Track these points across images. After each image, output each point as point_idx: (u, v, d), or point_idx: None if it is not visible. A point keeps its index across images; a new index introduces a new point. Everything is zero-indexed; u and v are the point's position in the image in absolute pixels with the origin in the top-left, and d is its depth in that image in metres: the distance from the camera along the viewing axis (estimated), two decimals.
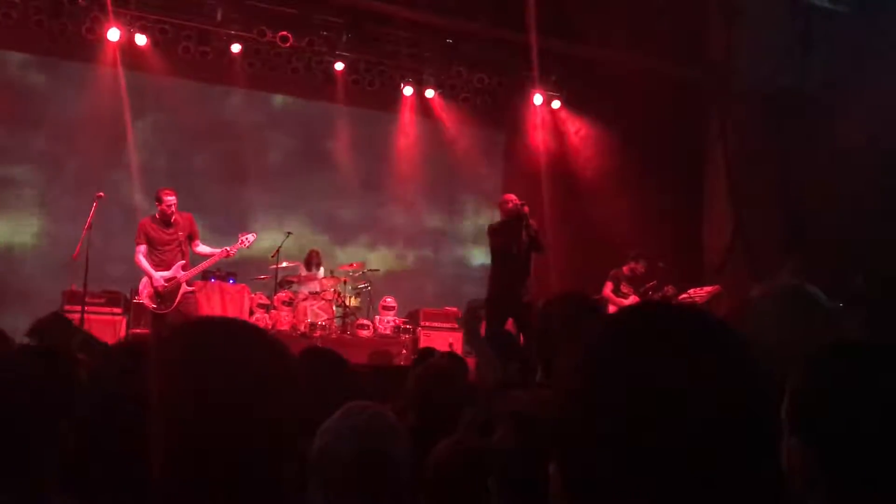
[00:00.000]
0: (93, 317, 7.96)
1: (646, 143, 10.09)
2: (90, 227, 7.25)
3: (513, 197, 7.36)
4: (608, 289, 8.88)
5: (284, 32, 10.11)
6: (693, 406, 0.79)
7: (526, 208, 7.21)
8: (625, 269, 8.92)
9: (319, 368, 2.36)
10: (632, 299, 8.75)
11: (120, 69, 9.79)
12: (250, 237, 7.52)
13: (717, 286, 8.85)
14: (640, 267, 8.85)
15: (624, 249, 9.15)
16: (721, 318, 0.91)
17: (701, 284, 9.10)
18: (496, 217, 7.87)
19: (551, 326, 2.54)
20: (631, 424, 0.80)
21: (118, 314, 8.75)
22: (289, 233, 9.66)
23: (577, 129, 11.47)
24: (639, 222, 9.75)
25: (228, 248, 7.36)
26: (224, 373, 0.96)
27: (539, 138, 11.32)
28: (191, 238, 7.34)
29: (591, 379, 0.86)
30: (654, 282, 8.95)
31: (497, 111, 11.80)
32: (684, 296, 8.69)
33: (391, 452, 1.85)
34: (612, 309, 8.68)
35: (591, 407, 0.84)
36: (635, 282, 8.96)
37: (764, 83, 8.99)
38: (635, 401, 0.80)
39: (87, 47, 9.72)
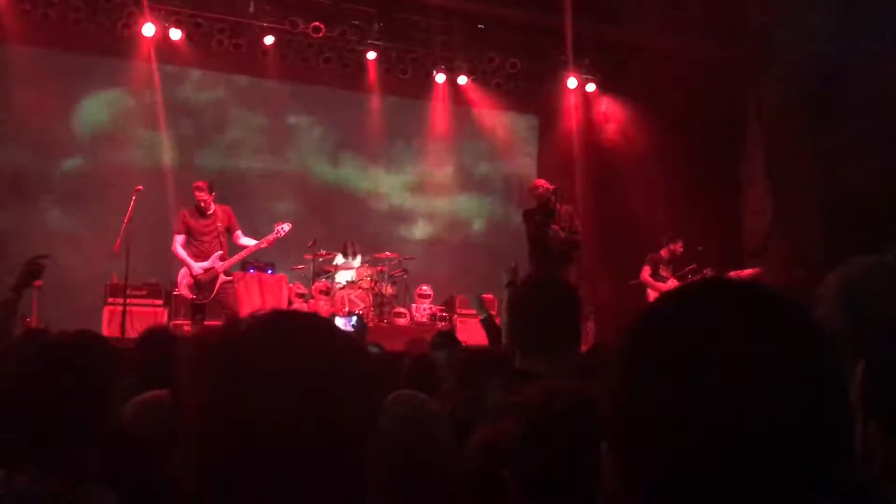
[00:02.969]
0: (134, 308, 8.09)
1: (682, 124, 9.95)
2: (130, 220, 7.36)
3: (543, 182, 7.34)
4: (646, 273, 8.80)
5: (317, 23, 10.14)
6: (760, 384, 0.74)
7: (556, 194, 7.16)
8: (663, 251, 8.82)
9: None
10: (671, 283, 8.66)
11: (155, 64, 9.91)
12: (285, 227, 7.61)
13: (757, 268, 8.72)
14: (679, 248, 8.74)
15: (660, 233, 9.05)
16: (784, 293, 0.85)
17: (740, 268, 8.97)
18: (530, 203, 7.83)
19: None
20: (691, 407, 0.75)
21: (159, 305, 8.87)
22: (325, 223, 9.72)
23: (612, 112, 11.35)
24: (676, 205, 9.64)
25: (266, 239, 7.47)
26: (296, 373, 0.92)
27: (573, 122, 11.23)
28: (230, 230, 7.49)
29: (649, 358, 0.81)
30: (694, 265, 8.84)
31: (530, 96, 11.72)
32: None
33: (436, 441, 1.84)
34: (651, 293, 8.59)
35: (650, 388, 0.79)
36: (674, 265, 8.86)
37: (804, 61, 8.79)
38: (695, 380, 0.76)
39: (123, 43, 9.84)
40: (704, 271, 8.61)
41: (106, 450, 1.65)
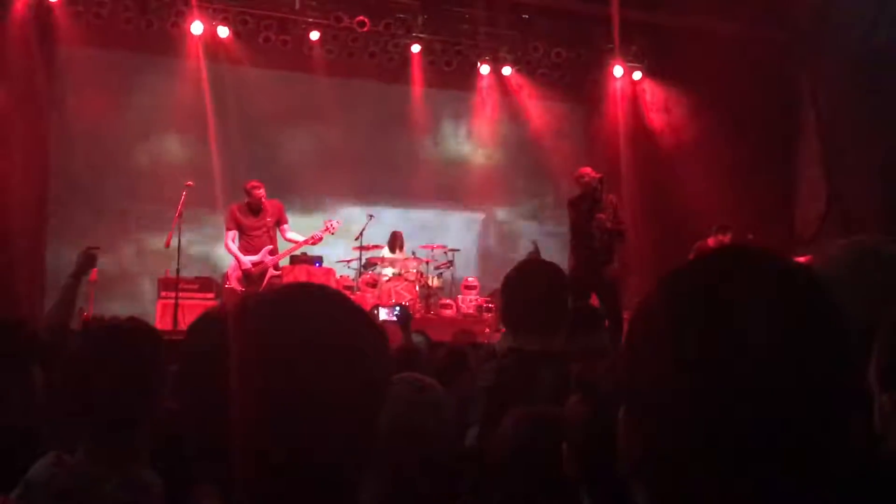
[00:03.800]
0: (186, 302, 8.24)
1: (732, 110, 9.76)
2: (180, 215, 7.53)
3: (589, 171, 7.25)
4: None
5: (361, 17, 10.21)
6: (777, 353, 0.74)
7: (602, 182, 7.08)
8: (710, 241, 8.66)
9: None
10: None
11: (203, 61, 10.09)
12: (335, 223, 7.74)
13: (809, 256, 8.53)
14: (726, 239, 8.57)
15: (710, 222, 8.89)
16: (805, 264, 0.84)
17: (793, 255, 8.79)
18: (576, 192, 7.76)
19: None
20: (709, 375, 0.75)
21: (210, 299, 9.03)
22: (371, 216, 9.77)
23: (660, 100, 11.19)
24: (726, 194, 9.46)
25: (315, 235, 7.62)
26: (308, 337, 0.94)
27: (620, 110, 11.11)
28: (279, 224, 7.64)
29: (668, 327, 0.81)
30: None
31: (576, 85, 11.63)
32: None
33: (426, 426, 1.83)
34: None
35: (669, 357, 0.79)
36: None
37: (857, 42, 8.55)
38: (711, 348, 0.75)
39: (171, 42, 10.03)
40: None
41: (154, 435, 1.69)
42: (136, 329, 1.67)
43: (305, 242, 7.69)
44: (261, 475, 0.94)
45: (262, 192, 7.53)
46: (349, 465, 0.96)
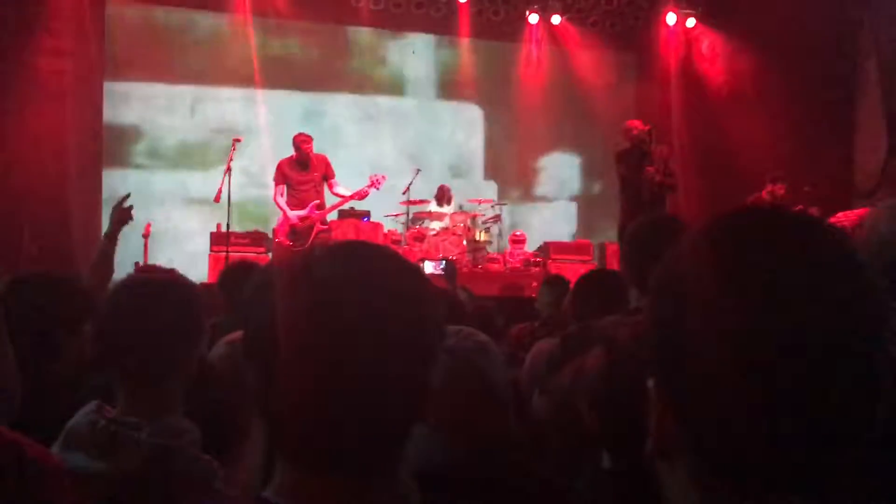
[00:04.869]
0: (237, 256, 8.38)
1: (789, 60, 9.42)
2: (229, 170, 7.61)
3: (638, 123, 7.11)
4: None
5: None
6: (800, 317, 0.72)
7: (651, 134, 6.94)
8: (763, 193, 8.45)
9: None
10: None
11: (249, 16, 10.10)
12: (381, 178, 7.73)
13: (867, 209, 8.28)
14: (780, 189, 8.32)
15: (765, 175, 8.67)
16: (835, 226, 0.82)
17: (850, 208, 8.54)
18: (624, 145, 7.62)
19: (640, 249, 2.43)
20: (755, 346, 0.73)
21: (262, 253, 9.17)
22: (418, 170, 9.76)
23: (714, 48, 10.85)
24: (783, 145, 9.21)
25: (361, 190, 7.64)
26: (365, 296, 0.93)
27: (672, 60, 10.82)
28: (326, 178, 7.67)
29: (687, 289, 0.79)
30: (801, 206, 8.44)
31: (627, 33, 11.36)
32: (832, 220, 8.18)
33: (487, 372, 1.84)
34: None
35: (687, 320, 0.77)
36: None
37: None
38: (733, 311, 0.74)
39: None
40: (810, 211, 8.23)
41: (193, 388, 1.73)
42: (170, 281, 1.70)
43: (352, 197, 7.72)
44: (311, 429, 0.95)
45: (310, 145, 7.55)
46: (402, 421, 0.97)
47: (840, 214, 8.24)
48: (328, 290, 0.93)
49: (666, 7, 10.65)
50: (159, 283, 1.66)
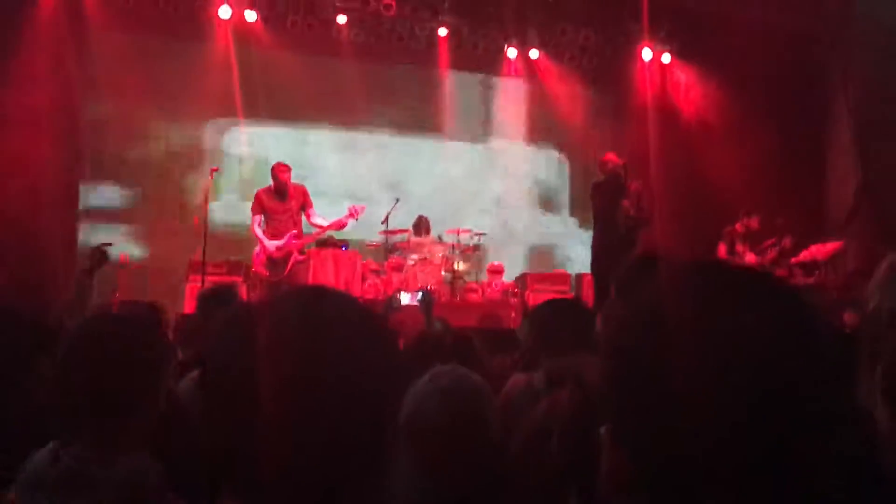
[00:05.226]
0: None
1: (762, 94, 9.61)
2: (207, 199, 7.61)
3: (613, 156, 7.19)
4: (722, 250, 8.56)
5: (388, 1, 10.19)
6: (741, 372, 0.75)
7: (626, 169, 7.03)
8: (738, 226, 8.55)
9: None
10: (748, 258, 8.41)
11: (231, 46, 10.14)
12: (359, 209, 7.76)
13: (839, 242, 8.40)
14: (754, 223, 8.44)
15: (740, 207, 8.79)
16: (784, 281, 0.86)
17: (823, 240, 8.67)
18: (600, 178, 7.70)
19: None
20: (669, 390, 0.77)
21: (239, 283, 9.14)
22: (397, 199, 9.79)
23: (689, 83, 11.04)
24: (757, 178, 9.34)
25: (339, 220, 7.66)
26: (312, 342, 0.96)
27: (648, 94, 10.98)
28: (304, 209, 7.69)
29: (634, 339, 0.83)
30: (773, 239, 8.57)
31: (604, 69, 11.51)
32: (805, 253, 8.30)
33: (481, 413, 1.86)
34: None
35: (633, 370, 0.81)
36: (751, 239, 8.58)
37: (890, 33, 8.36)
38: (676, 364, 0.77)
39: (200, 26, 10.09)
40: (783, 241, 8.32)
41: (159, 425, 1.72)
42: (135, 315, 1.71)
43: (330, 227, 7.75)
44: (261, 465, 0.96)
45: (288, 175, 7.58)
46: (354, 461, 0.98)
47: (813, 248, 8.39)
48: (283, 334, 0.96)
49: (641, 43, 10.82)
50: (123, 318, 1.67)
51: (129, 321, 1.68)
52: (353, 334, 0.99)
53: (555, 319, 3.12)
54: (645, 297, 0.87)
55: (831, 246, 8.36)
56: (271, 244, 7.45)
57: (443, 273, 9.85)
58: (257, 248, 7.59)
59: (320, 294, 1.04)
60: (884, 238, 8.35)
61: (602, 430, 0.88)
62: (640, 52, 10.94)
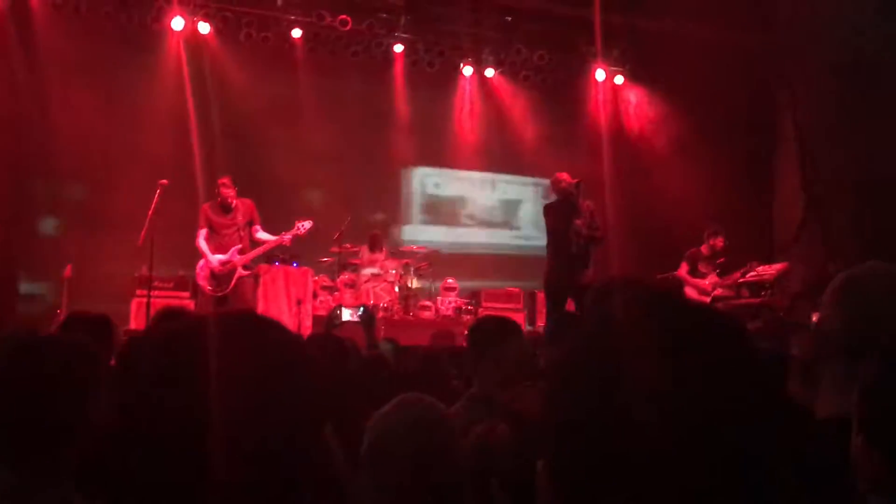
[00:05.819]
0: (160, 301, 8.18)
1: (712, 115, 9.78)
2: (154, 213, 7.45)
3: (566, 176, 7.21)
4: (683, 270, 8.61)
5: (344, 16, 10.19)
6: (677, 411, 0.73)
7: (579, 188, 7.07)
8: (703, 248, 8.59)
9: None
10: (711, 278, 8.47)
11: (184, 57, 10.00)
12: (306, 224, 7.67)
13: (785, 263, 8.56)
14: (719, 243, 8.48)
15: (691, 226, 8.89)
16: (729, 316, 0.84)
17: (771, 261, 8.82)
18: (553, 197, 7.73)
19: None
20: (605, 428, 0.74)
21: (186, 298, 8.98)
22: (349, 217, 9.72)
23: (642, 104, 11.21)
24: (706, 198, 9.49)
25: (283, 236, 7.57)
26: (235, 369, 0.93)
27: (601, 115, 11.12)
28: (250, 224, 7.59)
29: (569, 375, 0.81)
30: (723, 259, 8.66)
31: (558, 89, 11.63)
32: (752, 274, 8.42)
33: (446, 445, 1.83)
34: (689, 291, 8.39)
35: (566, 406, 0.79)
36: (714, 260, 8.60)
37: (837, 52, 8.58)
38: (610, 404, 0.74)
39: (152, 38, 9.94)
40: (755, 269, 8.39)
41: (88, 451, 1.65)
42: (66, 344, 1.63)
43: (274, 243, 7.64)
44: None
45: (230, 190, 7.47)
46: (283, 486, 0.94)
47: (760, 268, 8.52)
48: (206, 361, 0.92)
49: (595, 64, 10.96)
50: (42, 343, 1.60)
51: (53, 344, 1.61)
52: (265, 364, 0.95)
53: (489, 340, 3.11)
54: (590, 330, 0.85)
55: (778, 266, 8.51)
56: (214, 259, 7.32)
57: (397, 289, 9.81)
58: (201, 262, 7.46)
59: (239, 323, 1.00)
60: (830, 256, 8.53)
61: (539, 465, 0.85)
62: (594, 73, 11.08)
